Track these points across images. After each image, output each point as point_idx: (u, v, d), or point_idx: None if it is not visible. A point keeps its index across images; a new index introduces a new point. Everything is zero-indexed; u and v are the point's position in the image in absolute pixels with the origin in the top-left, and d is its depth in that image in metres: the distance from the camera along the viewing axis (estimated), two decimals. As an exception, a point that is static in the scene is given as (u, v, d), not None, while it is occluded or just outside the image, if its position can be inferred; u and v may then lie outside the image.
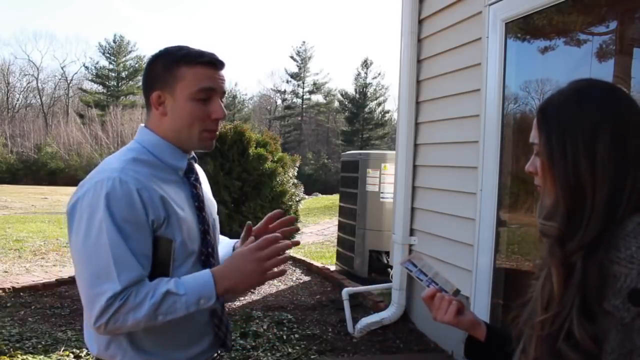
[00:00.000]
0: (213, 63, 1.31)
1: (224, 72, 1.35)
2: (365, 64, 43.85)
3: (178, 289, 1.19)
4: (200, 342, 1.36)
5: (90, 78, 45.25)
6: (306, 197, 8.14)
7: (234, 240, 1.58)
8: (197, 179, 1.38)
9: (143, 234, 1.21)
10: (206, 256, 1.35)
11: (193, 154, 1.41)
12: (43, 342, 3.84)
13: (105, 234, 1.17)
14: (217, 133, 1.37)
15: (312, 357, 3.75)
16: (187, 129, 1.31)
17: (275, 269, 1.26)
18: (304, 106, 46.25)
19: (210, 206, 1.44)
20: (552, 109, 0.94)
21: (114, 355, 1.28)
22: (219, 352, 1.46)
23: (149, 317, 1.18)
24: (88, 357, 3.62)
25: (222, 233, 1.60)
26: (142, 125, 1.37)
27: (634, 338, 0.80)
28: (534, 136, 0.97)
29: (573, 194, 0.88)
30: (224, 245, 1.57)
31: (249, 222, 1.47)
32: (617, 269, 0.83)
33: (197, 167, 1.50)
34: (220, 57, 1.35)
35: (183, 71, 1.28)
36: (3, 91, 43.57)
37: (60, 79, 45.97)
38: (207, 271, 1.24)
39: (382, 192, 5.88)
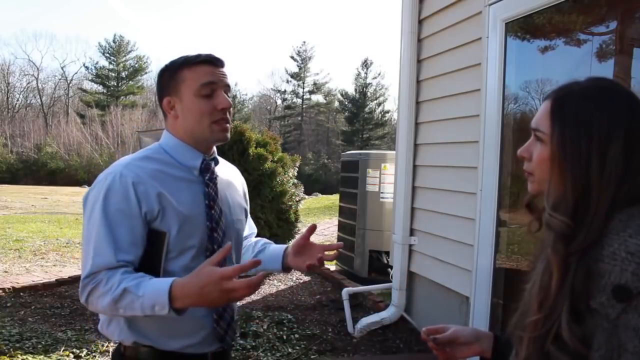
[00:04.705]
0: (211, 61, 1.42)
1: (224, 69, 1.44)
2: (365, 64, 43.91)
3: (137, 290, 1.24)
4: (196, 334, 1.40)
5: (90, 78, 45.30)
6: (306, 197, 8.14)
7: (283, 246, 1.64)
8: (211, 179, 1.45)
9: (133, 223, 1.32)
10: (212, 252, 1.39)
11: (215, 154, 1.50)
12: (43, 342, 3.83)
13: (97, 223, 1.31)
14: (229, 125, 1.44)
15: (312, 357, 3.75)
16: (198, 124, 1.40)
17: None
18: (304, 106, 46.23)
19: (231, 206, 1.51)
20: (571, 102, 0.93)
21: (113, 333, 1.41)
22: (222, 347, 1.46)
23: (111, 307, 1.27)
24: (88, 357, 3.63)
25: None
26: (165, 129, 1.49)
27: (620, 334, 0.81)
28: (540, 124, 0.96)
29: (581, 191, 0.88)
30: (274, 250, 1.65)
31: (314, 224, 1.57)
32: (601, 267, 0.83)
33: (231, 168, 1.61)
34: (219, 55, 1.44)
35: (184, 74, 1.40)
36: (3, 91, 43.58)
37: (60, 79, 46.03)
38: (168, 280, 1.23)
39: (382, 192, 5.88)
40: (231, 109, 1.43)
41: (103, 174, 1.37)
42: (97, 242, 1.29)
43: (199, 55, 1.41)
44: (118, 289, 1.24)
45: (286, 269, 1.60)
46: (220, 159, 1.53)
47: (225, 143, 1.48)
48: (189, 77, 1.39)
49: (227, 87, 1.43)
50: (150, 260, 1.33)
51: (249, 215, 1.67)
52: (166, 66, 1.46)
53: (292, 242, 1.58)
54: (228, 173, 1.57)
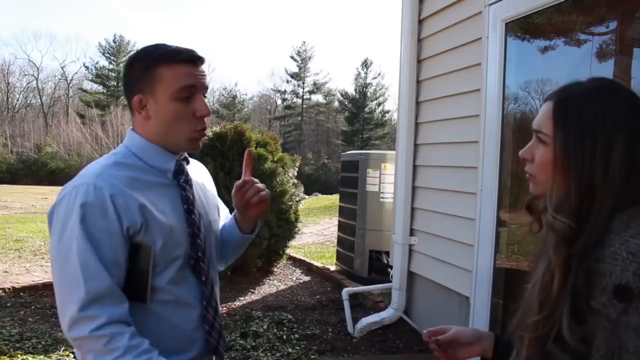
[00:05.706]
0: (192, 60, 1.27)
1: (203, 68, 1.31)
2: (365, 64, 43.85)
3: None
4: (190, 348, 1.31)
5: (90, 78, 45.29)
6: (306, 197, 8.14)
7: (231, 215, 1.55)
8: (187, 181, 1.34)
9: (115, 241, 1.19)
10: (195, 260, 1.31)
11: (185, 154, 1.38)
12: (43, 342, 3.83)
13: (75, 241, 1.16)
14: (206, 131, 1.32)
15: (312, 357, 3.75)
16: (174, 130, 1.27)
17: None
18: (304, 106, 46.21)
19: (207, 207, 1.41)
20: (574, 103, 0.92)
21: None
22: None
23: None
24: (88, 357, 3.62)
25: None
26: (130, 128, 1.34)
27: (621, 334, 0.81)
28: (542, 125, 0.95)
29: (585, 193, 0.88)
30: (228, 225, 1.54)
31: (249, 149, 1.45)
32: (602, 267, 0.83)
33: (199, 166, 1.49)
34: (199, 52, 1.30)
35: (162, 71, 1.24)
36: (3, 91, 43.61)
37: (60, 79, 46.05)
38: None
39: (382, 192, 5.87)
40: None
41: (70, 186, 1.21)
42: (84, 264, 1.14)
43: (178, 52, 1.25)
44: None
45: (244, 230, 1.49)
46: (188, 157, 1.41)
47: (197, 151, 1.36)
48: (167, 76, 1.24)
49: (205, 90, 1.30)
50: (137, 277, 1.21)
51: (221, 206, 1.57)
52: (138, 56, 1.29)
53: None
54: (197, 171, 1.45)
